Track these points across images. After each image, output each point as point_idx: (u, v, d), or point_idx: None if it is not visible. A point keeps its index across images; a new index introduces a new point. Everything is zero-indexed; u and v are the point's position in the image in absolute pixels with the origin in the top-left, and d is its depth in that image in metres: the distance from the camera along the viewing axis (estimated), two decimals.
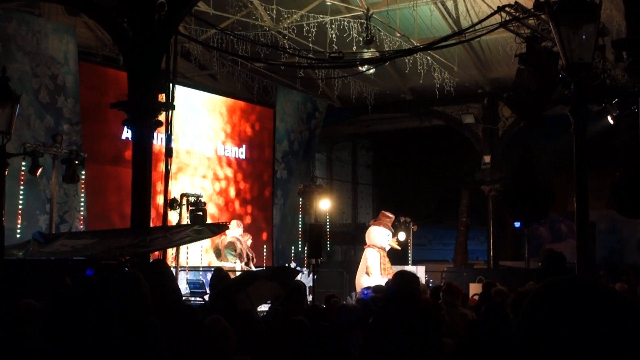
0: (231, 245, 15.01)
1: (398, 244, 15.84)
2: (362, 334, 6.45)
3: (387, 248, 15.36)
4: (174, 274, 14.16)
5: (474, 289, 16.59)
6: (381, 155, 28.92)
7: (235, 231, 15.28)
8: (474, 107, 21.06)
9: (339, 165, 28.12)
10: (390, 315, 5.64)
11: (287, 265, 17.87)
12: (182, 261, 15.53)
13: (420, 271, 16.58)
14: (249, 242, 15.91)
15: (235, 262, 14.92)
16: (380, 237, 15.31)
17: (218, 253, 15.39)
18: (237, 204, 19.49)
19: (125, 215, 13.69)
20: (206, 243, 17.13)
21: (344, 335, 6.25)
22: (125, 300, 4.95)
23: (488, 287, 10.54)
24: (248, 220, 19.12)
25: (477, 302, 9.94)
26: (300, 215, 19.41)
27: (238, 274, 13.80)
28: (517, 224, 22.22)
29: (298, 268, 15.53)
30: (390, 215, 15.80)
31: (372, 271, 14.81)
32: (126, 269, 9.01)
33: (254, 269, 15.45)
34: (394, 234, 15.78)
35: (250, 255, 15.75)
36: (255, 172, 20.15)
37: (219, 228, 11.92)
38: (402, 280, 6.16)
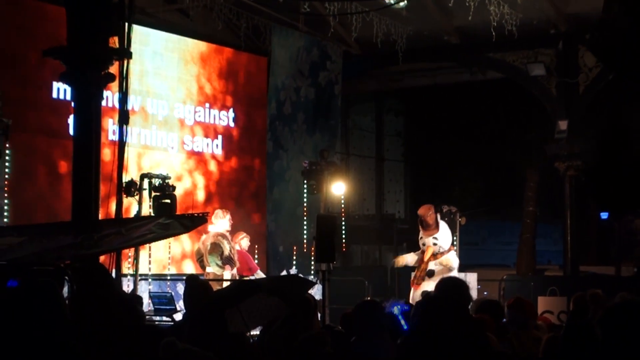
0: (216, 250, 14.89)
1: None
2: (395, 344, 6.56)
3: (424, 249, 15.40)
4: (133, 285, 14.21)
5: (545, 303, 16.60)
6: (416, 120, 28.85)
7: (220, 224, 15.20)
8: (545, 54, 20.96)
9: (357, 134, 28.06)
10: (425, 334, 5.68)
11: (294, 273, 17.86)
12: (144, 267, 15.54)
13: (470, 279, 16.57)
14: (245, 242, 15.88)
15: (222, 271, 14.84)
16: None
17: (202, 261, 15.27)
18: (219, 188, 19.48)
19: (65, 204, 13.65)
20: (177, 244, 17.14)
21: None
22: (39, 319, 4.93)
23: (580, 304, 10.44)
24: (235, 211, 19.10)
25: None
26: (305, 204, 19.39)
27: (227, 284, 13.77)
28: (604, 215, 22.15)
29: (312, 278, 15.51)
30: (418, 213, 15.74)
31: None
32: (66, 277, 9.01)
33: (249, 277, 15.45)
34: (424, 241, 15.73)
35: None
36: (243, 144, 20.12)
37: (194, 221, 11.83)
38: (445, 289, 6.24)
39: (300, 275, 16.68)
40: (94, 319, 6.01)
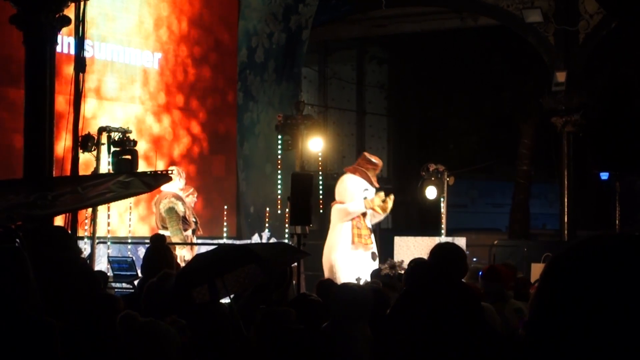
0: (171, 211, 14.87)
1: (384, 207, 15.77)
2: (372, 330, 6.58)
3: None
4: (91, 249, 14.22)
5: (539, 271, 16.71)
6: (401, 70, 28.83)
7: (173, 184, 15.13)
8: None
9: (337, 85, 28.04)
10: (415, 306, 5.71)
11: (285, 242, 17.91)
12: (101, 230, 15.54)
13: (458, 244, 16.68)
14: (191, 199, 15.76)
15: (180, 235, 14.82)
16: (353, 189, 15.48)
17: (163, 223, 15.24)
18: (185, 144, 19.44)
19: (15, 160, 13.61)
20: (140, 203, 17.14)
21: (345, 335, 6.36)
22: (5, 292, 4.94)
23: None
24: (202, 169, 19.09)
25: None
26: (279, 161, 19.38)
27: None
28: (604, 175, 22.29)
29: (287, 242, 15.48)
30: (375, 161, 15.82)
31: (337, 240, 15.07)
32: (18, 240, 9.01)
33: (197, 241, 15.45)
34: (376, 190, 15.77)
35: (195, 220, 15.65)
36: (210, 94, 20.06)
37: (157, 179, 11.85)
38: (440, 257, 6.29)
39: (283, 241, 16.76)
40: (48, 285, 6.02)
